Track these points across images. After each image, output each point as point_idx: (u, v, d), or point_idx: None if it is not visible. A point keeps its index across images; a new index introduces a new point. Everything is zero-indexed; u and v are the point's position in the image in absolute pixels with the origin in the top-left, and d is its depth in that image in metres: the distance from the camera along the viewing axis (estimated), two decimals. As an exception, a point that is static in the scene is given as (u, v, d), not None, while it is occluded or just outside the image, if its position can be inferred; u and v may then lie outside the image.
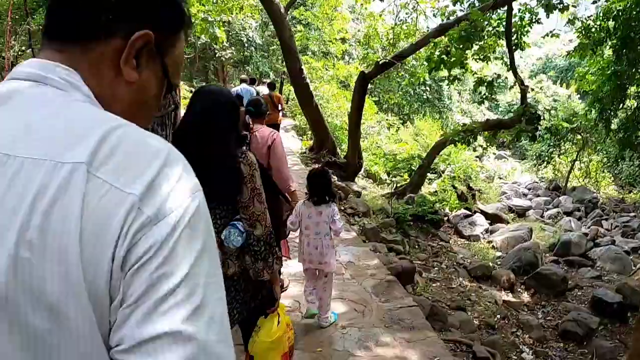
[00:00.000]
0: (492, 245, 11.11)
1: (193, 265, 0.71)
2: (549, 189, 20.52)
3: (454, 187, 13.91)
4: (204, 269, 0.73)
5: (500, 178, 22.23)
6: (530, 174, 24.02)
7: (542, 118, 10.83)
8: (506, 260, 9.86)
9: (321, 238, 4.03)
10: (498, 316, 7.09)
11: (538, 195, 19.57)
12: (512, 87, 13.45)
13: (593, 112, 15.80)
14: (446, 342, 4.59)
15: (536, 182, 21.95)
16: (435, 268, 8.32)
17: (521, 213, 15.65)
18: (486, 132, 12.64)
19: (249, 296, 2.58)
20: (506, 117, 25.38)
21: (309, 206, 4.06)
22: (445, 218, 12.16)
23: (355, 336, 4.27)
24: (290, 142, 15.70)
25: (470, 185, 14.91)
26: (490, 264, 9.27)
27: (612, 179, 21.80)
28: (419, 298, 5.85)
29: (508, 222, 13.46)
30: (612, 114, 14.59)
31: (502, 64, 13.11)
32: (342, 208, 9.60)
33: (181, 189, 0.73)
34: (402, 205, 11.35)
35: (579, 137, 19.91)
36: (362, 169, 14.36)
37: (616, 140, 17.10)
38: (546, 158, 21.41)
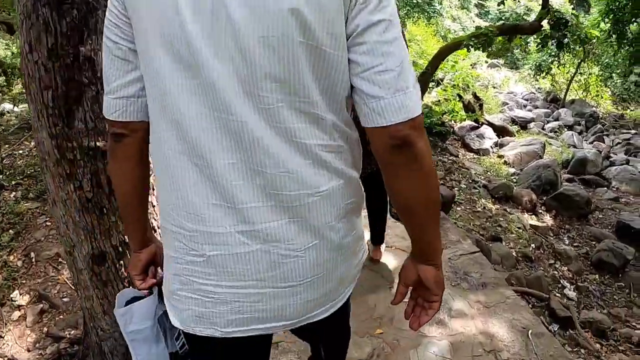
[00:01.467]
0: (504, 161, 10.20)
1: None
2: (546, 101, 19.53)
3: (460, 97, 12.75)
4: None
5: (495, 87, 21.08)
6: (524, 84, 22.89)
7: (569, 24, 9.67)
8: (523, 178, 8.99)
9: None
10: (532, 245, 6.30)
11: (537, 107, 18.50)
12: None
13: (605, 22, 14.60)
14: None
15: (533, 93, 20.84)
16: (455, 189, 7.42)
17: (523, 125, 14.67)
18: (500, 38, 11.44)
19: None
20: (498, 24, 24.06)
21: None
22: (451, 130, 11.15)
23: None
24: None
25: (477, 94, 13.78)
26: (507, 182, 8.41)
27: (610, 93, 20.91)
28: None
29: (514, 135, 12.54)
30: (627, 26, 13.48)
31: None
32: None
33: None
34: (406, 116, 10.25)
35: (579, 48, 18.76)
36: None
37: (626, 54, 16.04)
38: (546, 68, 20.30)
